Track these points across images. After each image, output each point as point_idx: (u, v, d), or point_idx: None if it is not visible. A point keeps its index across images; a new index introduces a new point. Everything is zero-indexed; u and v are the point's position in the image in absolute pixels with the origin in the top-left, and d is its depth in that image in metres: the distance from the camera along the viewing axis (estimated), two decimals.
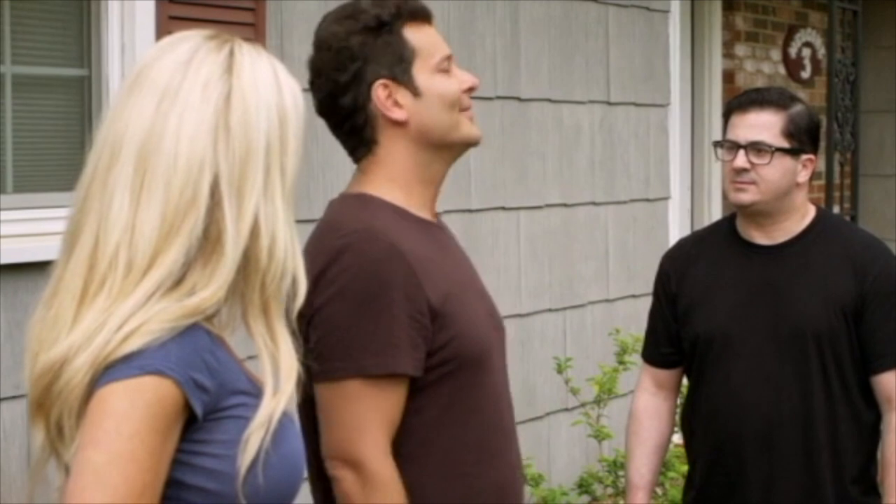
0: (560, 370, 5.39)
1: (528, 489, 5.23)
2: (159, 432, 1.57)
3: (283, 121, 1.72)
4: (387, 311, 2.20)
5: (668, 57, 6.71)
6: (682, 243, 3.56)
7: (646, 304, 3.54)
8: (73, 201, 1.69)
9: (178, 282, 1.63)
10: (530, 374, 5.75)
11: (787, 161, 3.21)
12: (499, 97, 5.53)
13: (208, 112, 1.66)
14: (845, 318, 3.19)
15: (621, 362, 5.50)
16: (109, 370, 1.58)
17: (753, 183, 3.20)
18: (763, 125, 3.21)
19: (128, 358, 1.58)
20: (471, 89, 2.41)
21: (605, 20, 6.23)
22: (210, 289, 1.64)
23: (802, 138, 3.24)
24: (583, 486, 5.52)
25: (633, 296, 6.33)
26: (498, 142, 5.45)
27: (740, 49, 7.90)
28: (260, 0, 4.38)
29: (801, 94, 7.93)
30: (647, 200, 6.59)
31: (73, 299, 1.63)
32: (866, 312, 3.20)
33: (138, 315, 1.60)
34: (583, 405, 5.49)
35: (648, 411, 3.44)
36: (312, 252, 2.25)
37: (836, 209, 7.48)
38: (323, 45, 2.35)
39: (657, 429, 3.44)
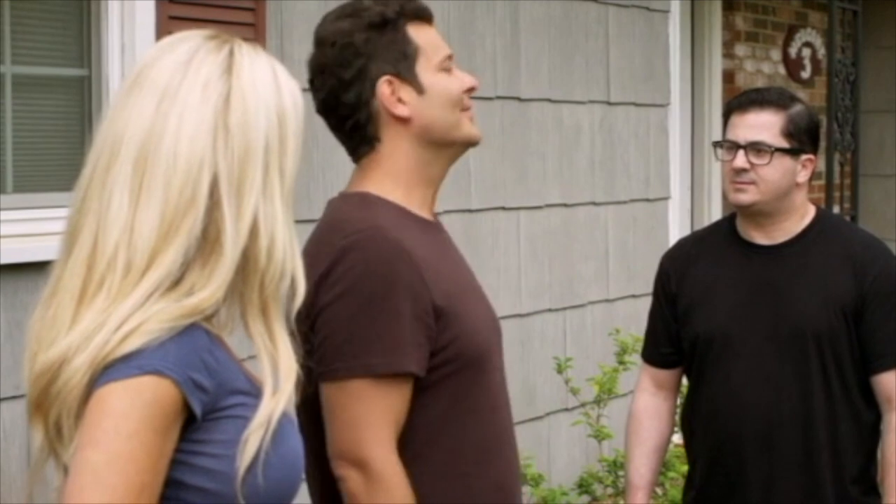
0: (560, 370, 5.39)
1: (527, 489, 5.23)
2: (158, 432, 1.57)
3: (283, 121, 1.72)
4: (393, 311, 2.20)
5: (668, 57, 6.71)
6: (682, 243, 3.56)
7: (646, 304, 3.54)
8: (72, 201, 1.69)
9: (177, 282, 1.63)
10: (530, 374, 5.75)
11: (786, 161, 3.21)
12: (499, 97, 5.53)
13: (208, 112, 1.66)
14: (845, 318, 3.19)
15: (621, 362, 5.50)
16: (108, 370, 1.59)
17: (753, 183, 3.20)
18: (763, 125, 3.21)
19: (126, 358, 1.58)
20: (471, 90, 2.42)
21: (605, 20, 6.23)
22: (209, 289, 1.64)
23: (802, 138, 3.24)
24: (583, 486, 5.52)
25: (633, 296, 6.33)
26: (498, 142, 5.45)
27: (740, 49, 7.90)
28: (260, 0, 4.38)
29: (801, 94, 7.93)
30: (647, 200, 6.59)
31: (72, 299, 1.63)
32: (866, 312, 3.20)
33: (137, 315, 1.60)
34: (583, 405, 5.49)
35: (648, 411, 3.44)
36: (314, 252, 2.25)
37: (836, 209, 7.48)
38: (326, 41, 2.35)
39: (657, 429, 3.44)
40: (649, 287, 3.53)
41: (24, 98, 4.00)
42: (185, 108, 1.66)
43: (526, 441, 5.55)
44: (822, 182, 7.72)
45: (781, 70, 8.27)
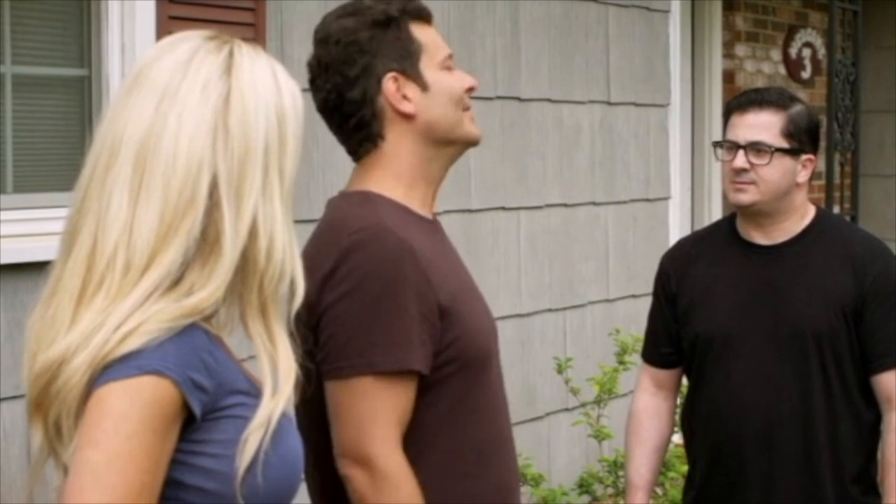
0: (560, 370, 5.39)
1: (528, 489, 5.23)
2: (158, 432, 1.57)
3: (282, 121, 1.72)
4: (399, 309, 2.20)
5: (668, 57, 6.71)
6: (681, 243, 3.56)
7: (646, 304, 3.54)
8: (71, 201, 1.69)
9: (176, 282, 1.63)
10: (530, 374, 5.75)
11: (786, 161, 3.21)
12: (499, 97, 5.53)
13: (207, 112, 1.66)
14: (845, 317, 3.19)
15: (621, 362, 5.50)
16: (108, 370, 1.59)
17: (753, 183, 3.20)
18: (762, 125, 3.21)
19: (126, 358, 1.58)
20: (471, 90, 2.43)
21: (605, 20, 6.23)
22: (208, 289, 1.64)
23: (802, 138, 3.24)
24: (583, 486, 5.52)
25: (633, 296, 6.33)
26: (498, 142, 5.45)
27: (740, 49, 7.90)
28: (260, 0, 4.38)
29: (802, 94, 7.93)
30: (647, 200, 6.59)
31: (72, 299, 1.63)
32: (866, 312, 3.20)
33: (136, 315, 1.60)
34: (583, 405, 5.49)
35: (648, 411, 3.44)
36: (317, 251, 2.25)
37: (836, 209, 7.48)
38: (330, 39, 2.35)
39: (657, 429, 3.44)
40: (649, 287, 3.53)
41: (24, 98, 4.00)
42: (184, 108, 1.66)
43: (526, 441, 5.56)
44: (822, 182, 7.72)
45: (782, 70, 8.27)
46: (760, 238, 3.29)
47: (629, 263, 6.41)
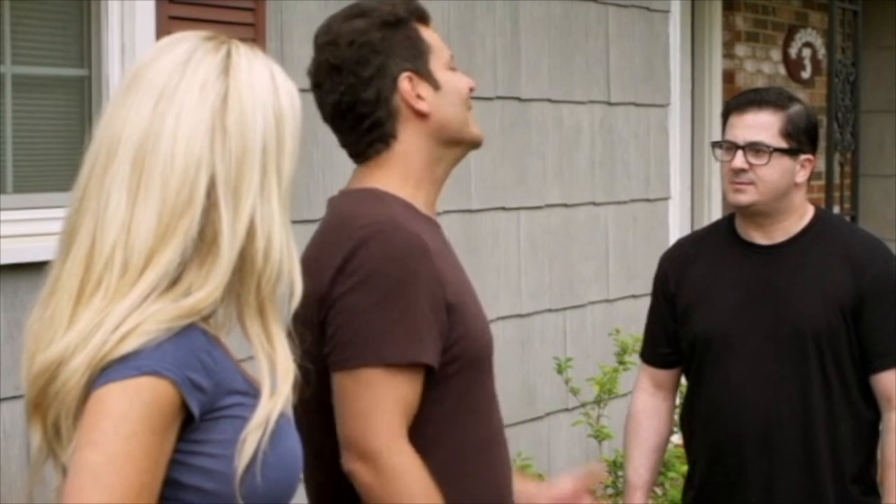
0: (560, 370, 5.38)
1: None
2: (156, 433, 1.57)
3: (280, 122, 1.72)
4: (410, 303, 2.20)
5: (668, 57, 6.71)
6: (680, 243, 3.56)
7: (646, 304, 3.54)
8: (70, 201, 1.69)
9: (174, 282, 1.63)
10: (530, 374, 5.75)
11: (785, 161, 3.22)
12: (499, 97, 5.53)
13: (205, 113, 1.67)
14: (844, 317, 3.19)
15: (621, 362, 5.50)
16: (106, 371, 1.59)
17: (752, 183, 3.20)
18: (761, 125, 3.22)
19: (124, 358, 1.58)
20: (471, 90, 2.44)
21: (605, 20, 6.23)
22: (206, 289, 1.64)
23: (801, 138, 3.24)
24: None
25: (633, 296, 6.33)
26: (498, 142, 5.45)
27: (740, 49, 7.90)
28: (260, 0, 4.38)
29: (801, 94, 7.93)
30: (647, 200, 6.59)
31: (70, 299, 1.63)
32: (865, 312, 3.20)
33: (134, 315, 1.60)
34: (583, 405, 5.49)
35: (647, 411, 3.44)
36: (327, 245, 2.25)
37: (836, 209, 7.48)
38: (341, 41, 2.35)
39: (655, 429, 3.44)
40: (649, 287, 3.53)
41: (24, 98, 4.00)
42: (182, 108, 1.66)
43: (526, 441, 5.56)
44: (822, 182, 7.72)
45: (781, 70, 8.27)
46: (760, 238, 3.29)
47: (629, 263, 6.41)
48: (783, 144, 3.21)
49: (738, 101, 3.30)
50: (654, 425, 3.44)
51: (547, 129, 5.87)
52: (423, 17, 2.41)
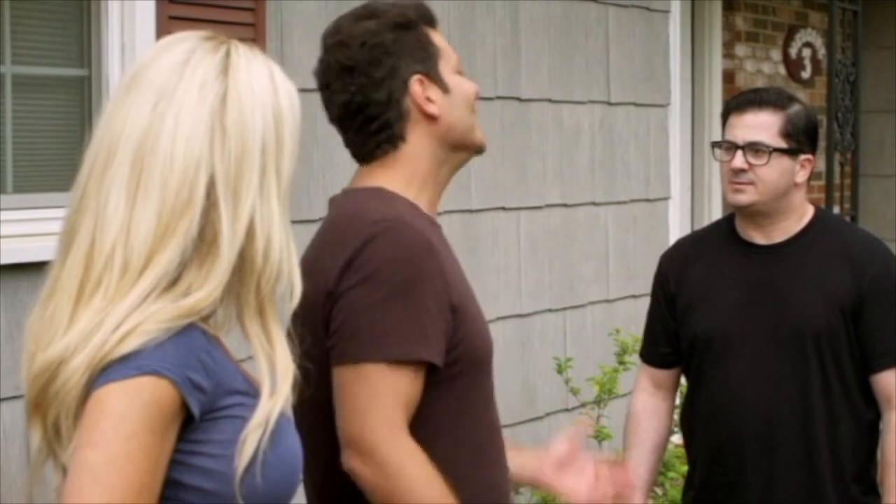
0: (560, 370, 5.38)
1: (528, 489, 5.23)
2: (156, 433, 1.57)
3: (279, 121, 1.72)
4: (417, 301, 2.20)
5: (668, 57, 6.71)
6: (680, 243, 3.56)
7: (646, 304, 3.54)
8: (69, 201, 1.69)
9: (174, 282, 1.63)
10: (530, 374, 5.75)
11: (784, 161, 3.22)
12: (499, 97, 5.53)
13: (204, 113, 1.67)
14: (844, 317, 3.19)
15: (621, 362, 5.50)
16: (106, 371, 1.59)
17: (751, 183, 3.20)
18: (761, 125, 3.22)
19: (125, 358, 1.58)
20: (476, 94, 2.45)
21: (605, 20, 6.23)
22: (206, 289, 1.64)
23: (800, 138, 3.24)
24: None
25: (633, 296, 6.33)
26: (498, 142, 5.45)
27: (740, 49, 7.90)
28: (260, 0, 4.38)
29: (801, 94, 7.93)
30: (647, 200, 6.59)
31: (70, 299, 1.63)
32: (865, 312, 3.20)
33: (134, 315, 1.60)
34: (583, 405, 5.49)
35: (647, 411, 3.44)
36: (333, 241, 2.25)
37: (836, 209, 7.48)
38: (353, 41, 2.35)
39: (655, 429, 3.44)
40: (649, 287, 3.53)
41: (24, 98, 4.00)
42: (181, 108, 1.66)
43: (526, 441, 5.55)
44: (822, 182, 7.72)
45: (782, 70, 8.27)
46: (759, 238, 3.29)
47: (629, 263, 6.41)
48: (783, 144, 3.21)
49: (737, 102, 3.30)
50: (654, 425, 3.44)
51: (547, 129, 5.87)
52: (432, 21, 2.42)
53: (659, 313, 3.42)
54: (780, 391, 3.20)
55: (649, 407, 3.44)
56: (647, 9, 6.53)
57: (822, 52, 8.40)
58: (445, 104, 2.37)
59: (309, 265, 2.27)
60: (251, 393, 1.68)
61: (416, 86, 2.35)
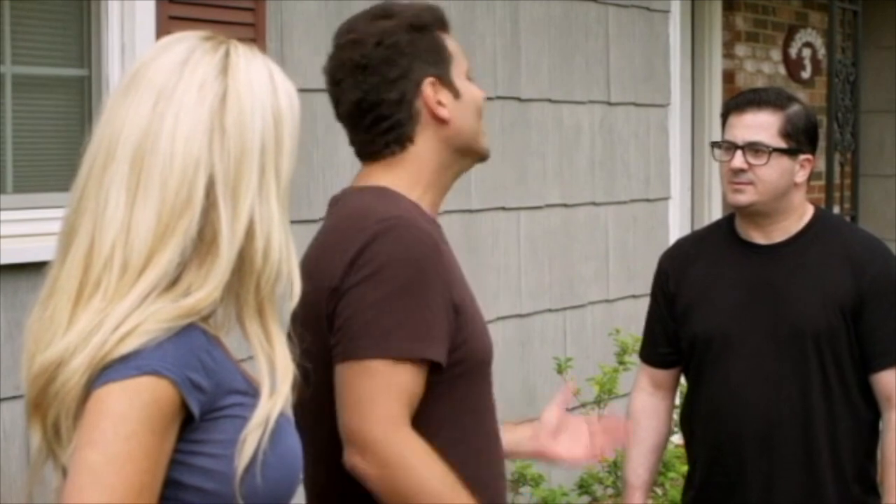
0: (560, 370, 5.38)
1: (528, 489, 5.23)
2: (156, 433, 1.57)
3: (278, 121, 1.72)
4: (421, 299, 2.19)
5: (668, 57, 6.72)
6: (680, 243, 3.56)
7: (646, 304, 3.54)
8: (68, 201, 1.69)
9: (174, 282, 1.63)
10: (530, 374, 5.75)
11: (784, 161, 3.22)
12: (499, 97, 5.53)
13: (204, 113, 1.66)
14: (844, 317, 3.19)
15: (621, 362, 5.50)
16: (106, 371, 1.59)
17: (751, 183, 3.20)
18: (760, 125, 3.22)
19: (124, 358, 1.58)
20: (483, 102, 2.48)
21: (605, 20, 6.23)
22: (205, 289, 1.64)
23: (800, 138, 3.24)
24: (583, 487, 5.52)
25: (633, 296, 6.33)
26: (498, 142, 5.45)
27: (740, 49, 7.90)
28: (260, 0, 4.38)
29: (802, 94, 7.93)
30: (647, 200, 6.59)
31: (69, 300, 1.63)
32: (865, 311, 3.20)
33: (134, 316, 1.60)
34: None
35: (646, 411, 3.44)
36: (338, 238, 2.25)
37: (836, 209, 7.48)
38: (367, 40, 2.35)
39: (654, 429, 3.44)
40: (649, 287, 3.53)
41: (24, 98, 4.00)
42: (181, 108, 1.66)
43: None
44: (822, 182, 7.72)
45: (782, 70, 8.27)
46: (759, 238, 3.29)
47: (629, 263, 6.41)
48: (782, 144, 3.21)
49: (737, 102, 3.30)
50: (653, 425, 3.44)
51: (547, 129, 5.87)
52: (446, 26, 2.43)
53: (658, 313, 3.42)
54: (780, 391, 3.20)
55: (648, 407, 3.44)
56: (647, 9, 6.53)
57: (822, 52, 8.40)
58: (455, 109, 2.38)
59: (312, 263, 2.28)
60: (251, 393, 1.68)
61: (429, 88, 2.35)
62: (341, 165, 4.63)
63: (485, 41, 5.49)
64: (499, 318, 5.50)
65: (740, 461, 3.24)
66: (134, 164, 1.64)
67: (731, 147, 3.23)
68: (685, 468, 3.57)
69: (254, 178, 1.68)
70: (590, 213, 6.18)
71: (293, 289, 1.72)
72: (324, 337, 2.22)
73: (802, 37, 8.38)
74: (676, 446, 5.08)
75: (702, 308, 3.30)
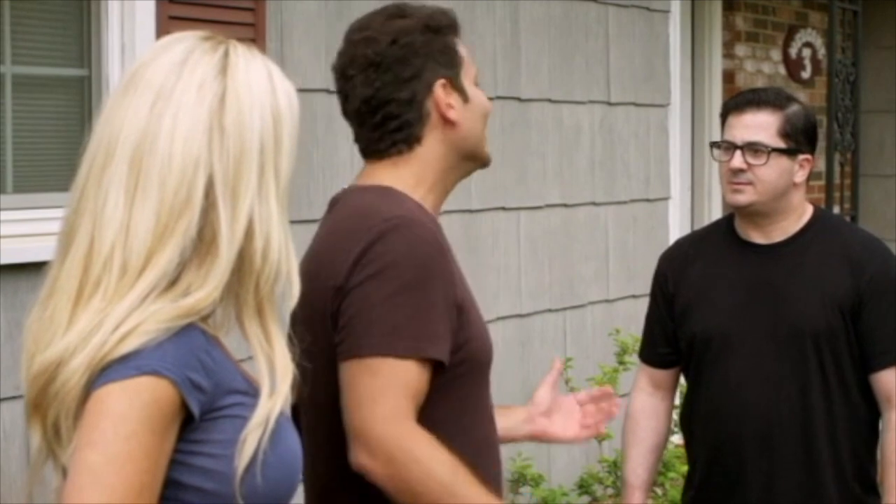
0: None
1: (527, 489, 5.23)
2: (156, 433, 1.57)
3: (277, 121, 1.72)
4: (427, 297, 2.19)
5: (668, 57, 6.72)
6: (679, 243, 3.56)
7: (646, 304, 3.54)
8: (68, 201, 1.69)
9: (173, 282, 1.63)
10: (530, 374, 5.75)
11: (783, 161, 3.22)
12: (499, 97, 5.53)
13: (203, 113, 1.66)
14: (843, 316, 3.19)
15: (621, 362, 5.50)
16: (106, 371, 1.59)
17: (750, 184, 3.20)
18: (759, 125, 3.21)
19: (124, 359, 1.58)
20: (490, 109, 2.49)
21: (605, 20, 6.23)
22: (205, 289, 1.64)
23: (799, 138, 3.24)
24: (583, 487, 5.52)
25: (633, 296, 6.33)
26: (498, 142, 5.45)
27: (740, 49, 7.90)
28: (260, 0, 4.38)
29: (801, 94, 7.93)
30: (647, 200, 6.59)
31: (69, 300, 1.63)
32: (864, 311, 3.20)
33: (134, 316, 1.60)
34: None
35: (645, 411, 3.44)
36: (343, 236, 2.24)
37: (836, 209, 7.48)
38: (383, 38, 2.35)
39: (654, 429, 3.44)
40: (649, 287, 3.53)
41: (24, 98, 4.00)
42: (179, 108, 1.66)
43: (526, 441, 5.55)
44: (822, 182, 7.72)
45: (782, 70, 8.27)
46: (758, 238, 3.29)
47: (629, 263, 6.41)
48: (781, 144, 3.21)
49: (736, 102, 3.30)
50: (653, 425, 3.44)
51: (547, 129, 5.88)
52: (457, 30, 2.43)
53: (658, 313, 3.42)
54: (780, 391, 3.20)
55: (648, 407, 3.44)
56: (647, 9, 6.53)
57: (822, 52, 8.40)
58: (463, 112, 2.38)
59: (315, 261, 2.27)
60: (251, 392, 1.68)
61: (440, 90, 2.36)
62: (341, 165, 4.63)
63: (485, 41, 5.49)
64: (499, 318, 5.50)
65: (740, 461, 3.24)
66: (133, 165, 1.64)
67: (730, 147, 3.23)
68: (685, 468, 3.57)
69: (253, 178, 1.68)
70: (590, 213, 6.18)
71: (292, 289, 1.72)
72: (327, 335, 2.22)
73: (802, 37, 8.38)
74: (676, 446, 5.09)
75: (701, 308, 3.30)
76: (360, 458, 2.17)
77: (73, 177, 1.71)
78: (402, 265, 2.19)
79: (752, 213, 3.25)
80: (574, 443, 2.66)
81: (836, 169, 7.63)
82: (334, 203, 2.42)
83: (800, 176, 3.26)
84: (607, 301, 6.28)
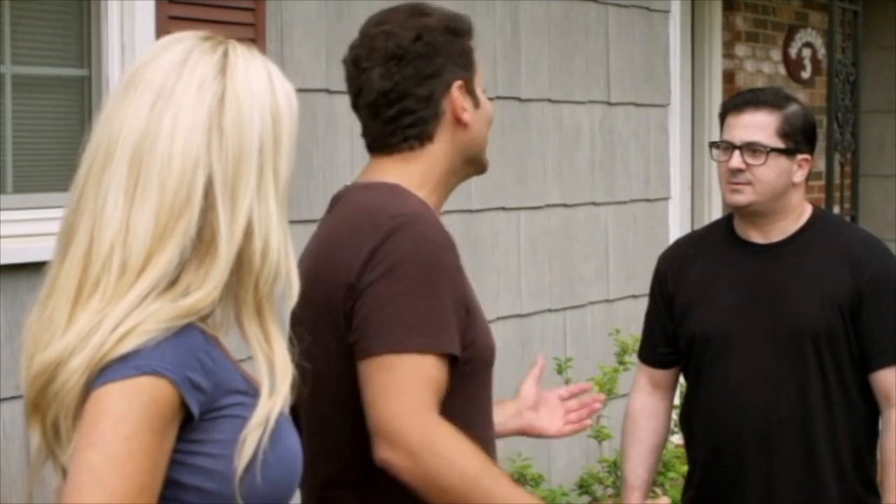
0: (560, 370, 5.38)
1: (528, 489, 5.23)
2: (156, 433, 1.57)
3: (277, 122, 1.72)
4: (439, 294, 2.19)
5: (668, 57, 6.72)
6: (679, 243, 3.57)
7: (646, 304, 3.54)
8: (67, 201, 1.69)
9: (173, 282, 1.63)
10: None
11: (782, 161, 3.22)
12: (499, 97, 5.53)
13: (202, 113, 1.67)
14: (842, 316, 3.19)
15: (621, 362, 5.50)
16: (105, 371, 1.59)
17: (749, 184, 3.20)
18: (758, 126, 3.22)
19: (124, 358, 1.58)
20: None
21: (605, 20, 6.23)
22: (204, 289, 1.64)
23: (798, 138, 3.24)
24: (583, 487, 5.52)
25: (633, 296, 6.33)
26: (498, 142, 5.44)
27: (740, 49, 7.90)
28: (260, 0, 4.38)
29: (801, 94, 7.93)
30: (647, 200, 6.59)
31: (68, 300, 1.63)
32: (863, 310, 3.20)
33: (133, 316, 1.60)
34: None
35: (645, 411, 3.44)
36: (353, 233, 2.24)
37: (836, 209, 7.48)
38: (406, 33, 2.35)
39: (653, 429, 3.44)
40: (649, 287, 3.53)
41: (24, 98, 4.00)
42: (179, 108, 1.66)
43: (526, 441, 5.55)
44: (822, 182, 7.72)
45: (781, 70, 8.27)
46: (758, 237, 3.29)
47: (629, 263, 6.41)
48: (780, 144, 3.21)
49: (735, 102, 3.30)
50: (652, 425, 3.44)
51: (547, 129, 5.88)
52: (472, 37, 2.44)
53: (657, 313, 3.42)
54: (780, 391, 3.20)
55: (647, 407, 3.44)
56: (647, 9, 6.53)
57: (822, 52, 8.40)
58: (474, 116, 2.40)
59: (318, 259, 2.27)
60: (250, 392, 1.68)
61: (457, 91, 2.37)
62: (341, 165, 4.63)
63: (485, 41, 5.48)
64: (499, 318, 5.50)
65: (740, 461, 3.24)
66: (132, 165, 1.64)
67: (729, 147, 3.23)
68: (685, 468, 3.58)
69: (252, 179, 1.68)
70: (590, 213, 6.18)
71: (292, 289, 1.72)
72: (336, 333, 2.22)
73: (802, 37, 8.38)
74: (676, 446, 5.09)
75: (700, 308, 3.30)
76: (385, 454, 2.15)
77: (73, 177, 1.71)
78: (410, 262, 2.20)
79: (751, 213, 3.25)
80: (558, 437, 2.69)
81: (836, 169, 7.63)
82: (336, 201, 2.42)
83: (799, 176, 3.26)
84: (607, 301, 6.28)
